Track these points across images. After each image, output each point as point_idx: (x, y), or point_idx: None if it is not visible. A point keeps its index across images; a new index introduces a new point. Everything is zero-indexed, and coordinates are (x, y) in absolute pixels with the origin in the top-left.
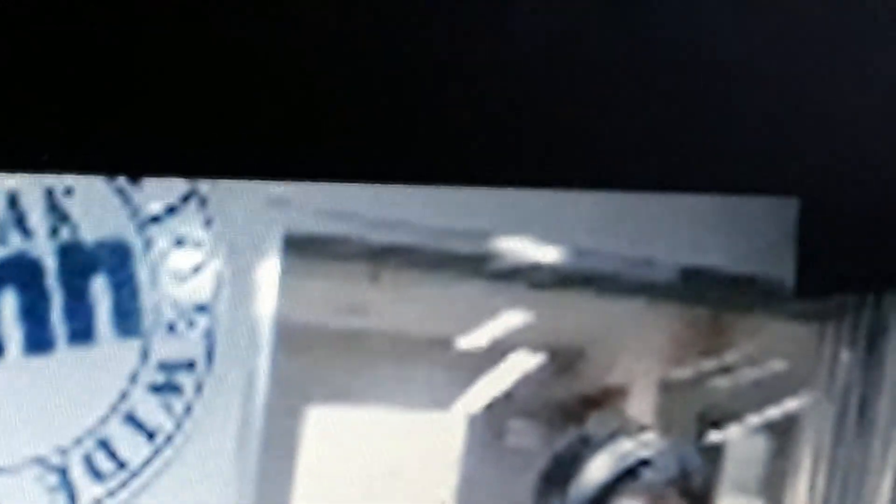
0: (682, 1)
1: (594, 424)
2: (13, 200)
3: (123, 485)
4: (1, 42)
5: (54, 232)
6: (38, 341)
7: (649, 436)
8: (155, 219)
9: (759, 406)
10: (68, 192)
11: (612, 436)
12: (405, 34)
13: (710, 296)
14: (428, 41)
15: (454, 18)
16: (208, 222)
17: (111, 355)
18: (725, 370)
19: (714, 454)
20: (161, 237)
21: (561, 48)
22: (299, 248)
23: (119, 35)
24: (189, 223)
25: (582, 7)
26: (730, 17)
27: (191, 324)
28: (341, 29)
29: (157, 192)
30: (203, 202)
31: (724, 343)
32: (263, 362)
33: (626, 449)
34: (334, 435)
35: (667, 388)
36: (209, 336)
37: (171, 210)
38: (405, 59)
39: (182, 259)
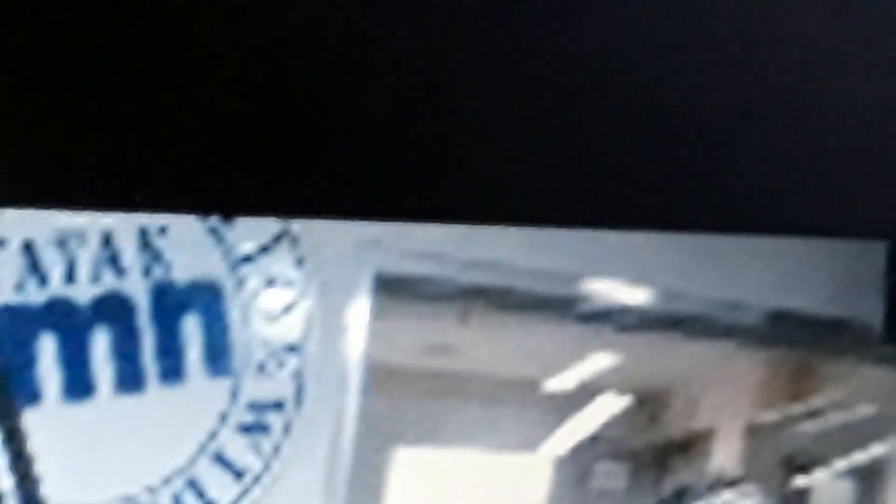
0: (794, 42)
1: (688, 475)
2: (107, 239)
3: None
4: (97, 83)
5: (147, 271)
6: (129, 380)
7: (747, 487)
8: (247, 258)
9: (846, 451)
10: (162, 231)
11: (710, 487)
12: (493, 80)
13: (798, 339)
14: (515, 85)
15: (548, 61)
16: (300, 262)
17: (201, 395)
18: (812, 414)
19: (800, 499)
20: (252, 277)
21: (651, 94)
22: (389, 288)
23: (212, 77)
24: (281, 263)
25: (683, 53)
26: (833, 58)
27: (280, 364)
28: (434, 73)
29: (250, 232)
30: (295, 242)
31: (811, 387)
32: (352, 402)
33: (725, 501)
34: (421, 475)
35: (753, 432)
36: (298, 376)
37: (263, 250)
38: (493, 104)
39: (273, 299)
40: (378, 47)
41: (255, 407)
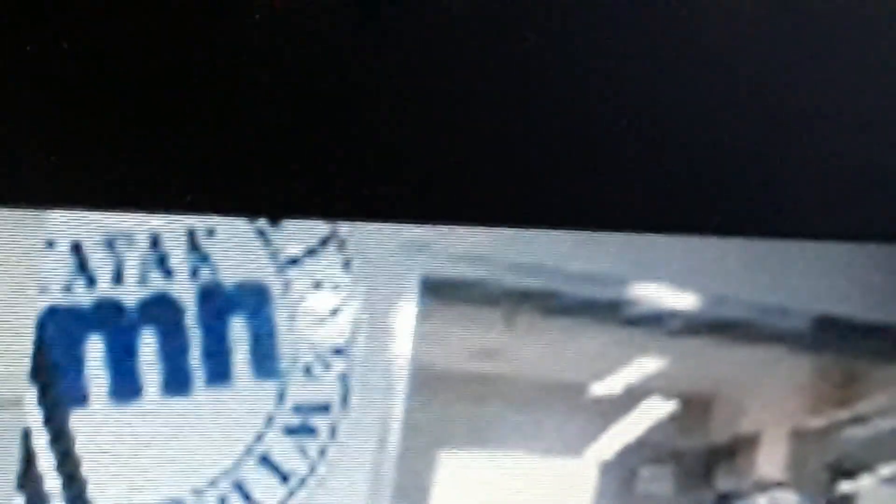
0: (839, 51)
1: (733, 480)
2: (155, 241)
3: None
4: (146, 86)
5: (195, 273)
6: (176, 382)
7: (788, 495)
8: (294, 261)
9: (892, 457)
10: (210, 233)
11: (756, 492)
12: (535, 86)
13: (845, 345)
14: (557, 92)
15: (600, 69)
16: (347, 265)
17: (248, 397)
18: (858, 420)
19: None
20: (299, 279)
21: (696, 99)
22: (436, 291)
23: (261, 81)
24: (328, 266)
25: (730, 59)
26: (880, 64)
27: (327, 366)
28: (477, 80)
29: (297, 235)
30: (342, 245)
31: (857, 393)
32: (398, 406)
33: None
34: (467, 479)
35: (798, 438)
36: (345, 379)
37: (310, 252)
38: (538, 109)
39: (320, 301)
40: (422, 53)
41: (302, 409)
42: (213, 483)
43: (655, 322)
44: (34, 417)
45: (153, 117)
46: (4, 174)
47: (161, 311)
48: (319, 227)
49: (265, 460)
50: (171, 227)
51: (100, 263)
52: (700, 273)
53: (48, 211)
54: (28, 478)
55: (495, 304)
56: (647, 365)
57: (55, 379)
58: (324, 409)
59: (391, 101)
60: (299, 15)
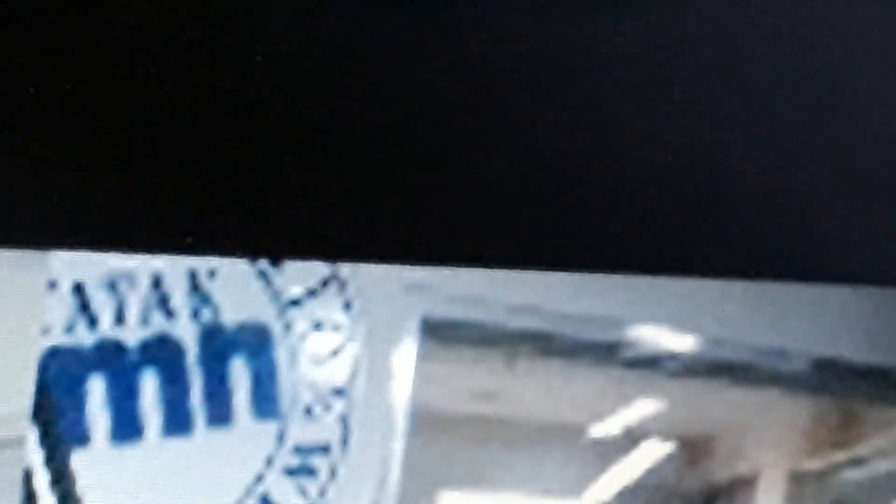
0: (842, 96)
1: None
2: (157, 281)
3: None
4: (148, 129)
5: (196, 314)
6: (177, 423)
7: None
8: (295, 302)
9: (889, 498)
10: (211, 274)
11: None
12: (538, 128)
13: (843, 387)
14: (559, 133)
15: (604, 108)
16: (347, 306)
17: (248, 438)
18: (856, 462)
19: None
20: (300, 320)
21: (699, 143)
22: (435, 332)
23: (262, 125)
24: (328, 307)
25: (735, 101)
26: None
27: (327, 407)
28: (481, 122)
29: (298, 276)
30: (343, 286)
31: (855, 435)
32: (397, 446)
33: None
34: None
35: (797, 480)
36: (345, 420)
37: (311, 293)
38: (538, 152)
39: (320, 342)
40: (430, 95)
41: (302, 450)
42: None
43: (654, 364)
44: (36, 457)
45: (155, 160)
46: (7, 216)
47: (162, 351)
48: (320, 269)
49: (265, 501)
50: (173, 268)
51: (101, 304)
52: (698, 315)
53: (50, 252)
54: None
55: (494, 345)
56: (645, 406)
57: (57, 419)
58: (324, 449)
59: (393, 146)
60: (301, 58)
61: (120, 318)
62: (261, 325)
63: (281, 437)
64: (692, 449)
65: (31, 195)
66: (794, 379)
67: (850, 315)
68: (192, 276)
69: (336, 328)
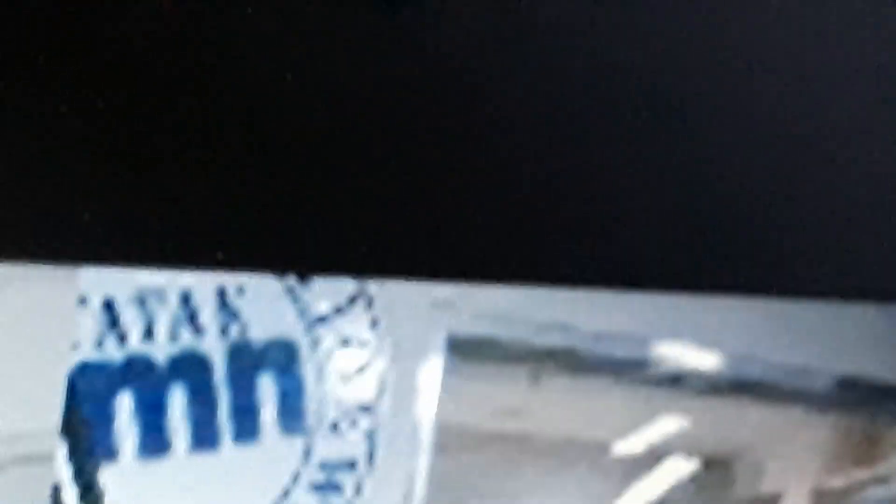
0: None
1: None
2: (186, 298)
3: None
4: (179, 145)
5: (224, 330)
6: (204, 438)
7: None
8: (322, 318)
9: None
10: (240, 290)
11: None
12: (562, 148)
13: (866, 405)
14: (580, 152)
15: (617, 128)
16: (374, 323)
17: (275, 453)
18: (879, 480)
19: None
20: (328, 337)
21: (721, 159)
22: (461, 349)
23: (294, 141)
24: (355, 324)
25: (757, 116)
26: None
27: (353, 423)
28: (506, 139)
29: (326, 292)
30: (370, 303)
31: (878, 453)
32: (423, 463)
33: None
34: None
35: (820, 498)
36: (371, 436)
37: (338, 310)
38: (564, 171)
39: (347, 359)
40: (460, 113)
41: (328, 466)
42: None
43: (678, 381)
44: (64, 472)
45: (185, 177)
46: (38, 232)
47: (190, 367)
48: (348, 286)
49: None
50: (202, 284)
51: (131, 320)
52: (723, 333)
53: (80, 268)
54: None
55: (520, 362)
56: (669, 424)
57: (85, 434)
58: (350, 465)
59: (422, 164)
60: (323, 74)
61: (149, 334)
62: (288, 341)
63: (307, 453)
64: (715, 467)
65: (61, 211)
66: (817, 397)
67: (874, 333)
68: (221, 293)
69: (363, 345)
